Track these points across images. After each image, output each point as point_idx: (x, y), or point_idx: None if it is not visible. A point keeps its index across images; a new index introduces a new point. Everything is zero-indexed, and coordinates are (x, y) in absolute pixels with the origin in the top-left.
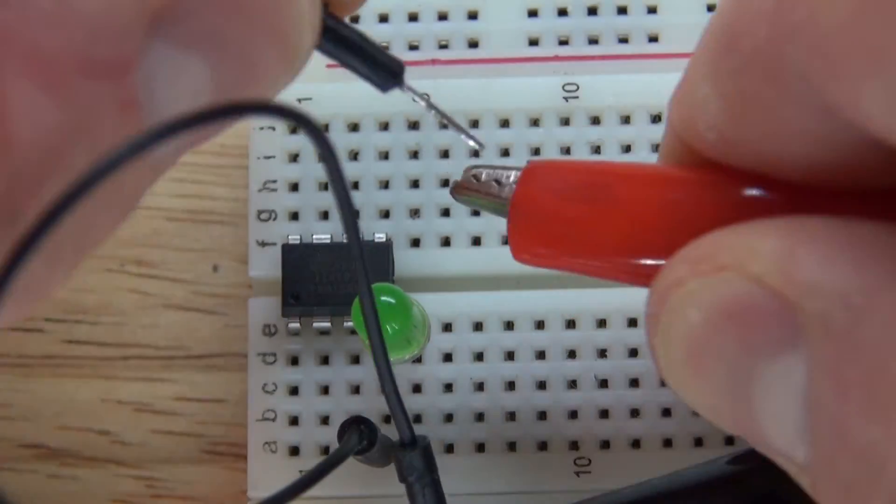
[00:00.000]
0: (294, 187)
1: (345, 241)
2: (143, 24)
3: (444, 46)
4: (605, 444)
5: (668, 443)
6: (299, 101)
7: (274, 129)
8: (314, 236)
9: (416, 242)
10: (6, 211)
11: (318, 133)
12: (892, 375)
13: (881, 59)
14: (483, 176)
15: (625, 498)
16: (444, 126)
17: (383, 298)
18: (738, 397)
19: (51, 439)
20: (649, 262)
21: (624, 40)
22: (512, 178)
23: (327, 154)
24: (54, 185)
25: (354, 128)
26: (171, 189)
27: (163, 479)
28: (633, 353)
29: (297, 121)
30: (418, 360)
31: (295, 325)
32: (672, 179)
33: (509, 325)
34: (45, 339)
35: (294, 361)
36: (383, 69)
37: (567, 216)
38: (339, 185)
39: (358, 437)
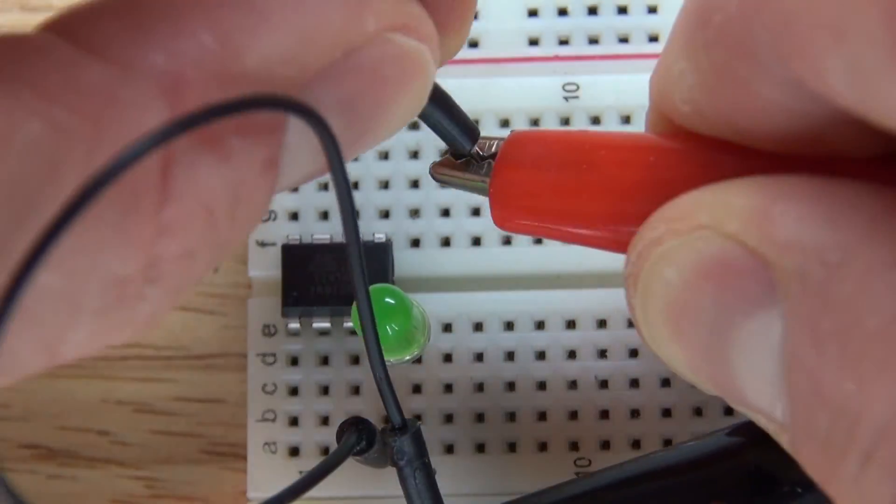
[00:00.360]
0: (294, 187)
1: (344, 241)
2: (298, 87)
3: None
4: (606, 445)
5: (668, 443)
6: None
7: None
8: (314, 236)
9: (415, 243)
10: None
11: (323, 126)
12: (866, 329)
13: (841, 34)
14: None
15: (628, 473)
16: None
17: (384, 300)
18: (715, 356)
19: (50, 440)
20: (630, 228)
21: (624, 40)
22: (494, 149)
23: (330, 147)
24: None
25: None
26: None
27: (162, 480)
28: (634, 353)
29: (304, 114)
30: (418, 360)
31: (294, 325)
32: (651, 146)
33: (509, 326)
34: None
35: (294, 362)
36: (466, 131)
37: (547, 185)
38: (341, 180)
39: (357, 437)
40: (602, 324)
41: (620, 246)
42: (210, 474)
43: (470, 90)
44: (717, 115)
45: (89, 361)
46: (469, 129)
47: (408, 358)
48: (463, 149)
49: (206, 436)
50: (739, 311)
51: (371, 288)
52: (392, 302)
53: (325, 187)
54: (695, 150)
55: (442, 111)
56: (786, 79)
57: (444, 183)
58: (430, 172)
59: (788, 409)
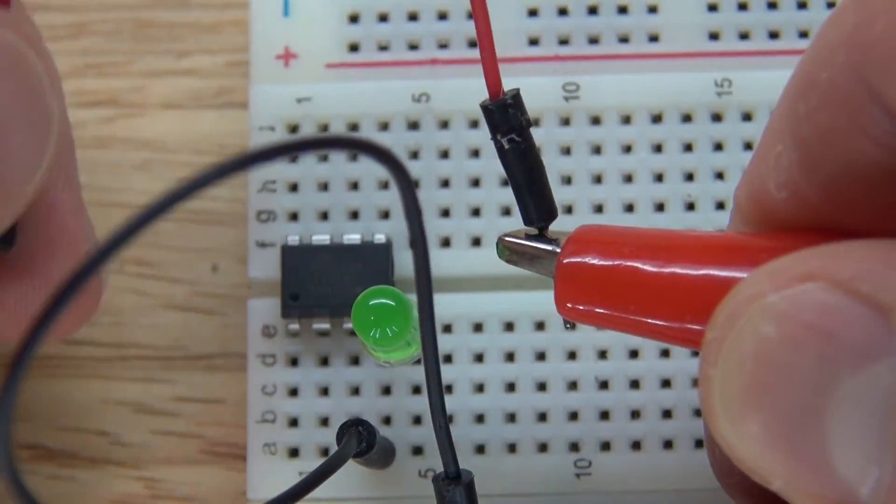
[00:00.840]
0: (293, 188)
1: (344, 242)
2: None
3: (444, 46)
4: (606, 446)
5: (668, 444)
6: (298, 101)
7: (273, 129)
8: (313, 237)
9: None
10: None
11: (398, 166)
12: None
13: None
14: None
15: None
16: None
17: (382, 301)
18: (808, 421)
19: (50, 440)
20: (697, 326)
21: (624, 40)
22: (559, 243)
23: (405, 185)
24: None
25: (354, 128)
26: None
27: (162, 480)
28: (634, 354)
29: (376, 153)
30: (418, 361)
31: (294, 326)
32: (726, 246)
33: (509, 327)
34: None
35: (293, 363)
36: (545, 207)
37: (617, 273)
38: (415, 218)
39: (357, 439)
40: None
41: (689, 341)
42: (210, 475)
43: (470, 90)
44: (816, 189)
45: (89, 361)
46: (549, 207)
47: (408, 360)
48: (536, 221)
49: (205, 436)
50: (847, 366)
51: (370, 289)
52: (392, 303)
53: (324, 188)
54: (777, 249)
55: (532, 177)
56: (891, 132)
57: (508, 252)
58: (497, 242)
59: (887, 478)
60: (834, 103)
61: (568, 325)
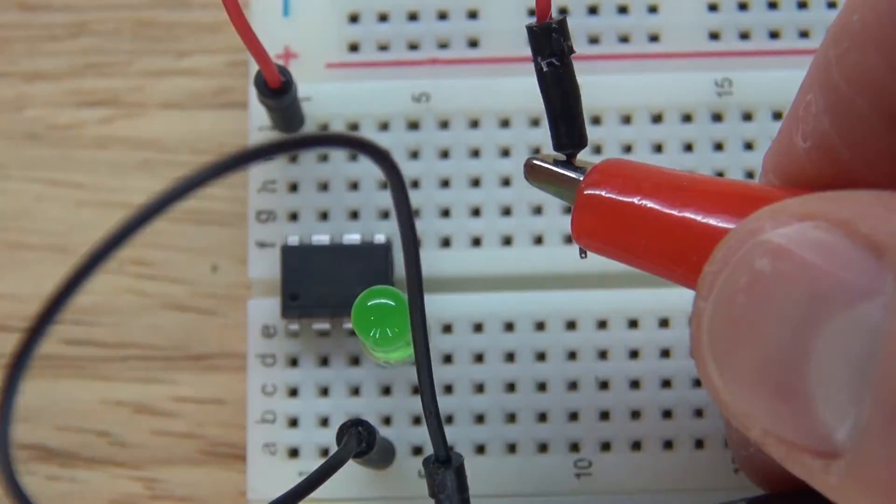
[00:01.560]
0: (293, 188)
1: (344, 242)
2: None
3: (444, 46)
4: (606, 446)
5: (668, 444)
6: (299, 100)
7: (273, 129)
8: (313, 237)
9: None
10: None
11: (388, 161)
12: None
13: None
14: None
15: None
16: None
17: (382, 301)
18: (793, 359)
19: (50, 440)
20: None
21: (624, 40)
22: (584, 172)
23: (395, 181)
24: None
25: (354, 128)
26: None
27: (162, 480)
28: (634, 354)
29: (368, 150)
30: None
31: (294, 326)
32: (743, 195)
33: (509, 327)
34: (44, 339)
35: (293, 363)
36: (575, 134)
37: (624, 222)
38: (405, 216)
39: (357, 439)
40: (602, 325)
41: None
42: (209, 475)
43: (470, 90)
44: (841, 136)
45: (89, 362)
46: (579, 135)
47: (407, 360)
48: (566, 146)
49: (205, 436)
50: (835, 304)
51: (370, 290)
52: (391, 303)
53: (324, 188)
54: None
55: (566, 103)
56: None
57: (535, 173)
58: (525, 164)
59: (862, 420)
60: (864, 43)
61: (582, 255)
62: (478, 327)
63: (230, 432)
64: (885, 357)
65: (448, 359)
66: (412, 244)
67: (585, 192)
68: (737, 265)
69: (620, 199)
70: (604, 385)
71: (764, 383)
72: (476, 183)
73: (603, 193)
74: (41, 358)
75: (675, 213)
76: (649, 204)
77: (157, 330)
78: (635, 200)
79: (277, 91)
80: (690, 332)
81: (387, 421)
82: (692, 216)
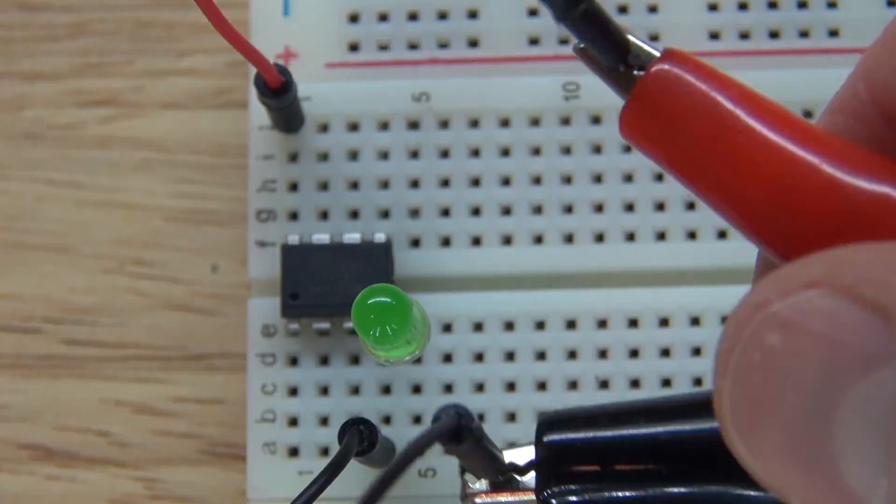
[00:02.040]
0: (293, 188)
1: (345, 240)
2: None
3: (444, 46)
4: None
5: None
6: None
7: (274, 128)
8: (313, 237)
9: (415, 243)
10: None
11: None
12: None
13: None
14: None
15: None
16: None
17: (382, 299)
18: (816, 431)
19: (49, 440)
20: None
21: None
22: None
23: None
24: None
25: (354, 127)
26: (171, 189)
27: (161, 480)
28: (634, 353)
29: None
30: (418, 360)
31: (294, 325)
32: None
33: (509, 326)
34: (44, 339)
35: (293, 362)
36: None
37: (683, 134)
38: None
39: (358, 438)
40: (602, 324)
41: (730, 210)
42: (209, 475)
43: (470, 90)
44: None
45: (89, 362)
46: (620, 45)
47: (408, 358)
48: (609, 62)
49: (205, 436)
50: (852, 373)
51: (370, 288)
52: (391, 301)
53: (324, 187)
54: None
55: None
56: None
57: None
58: (573, 48)
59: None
60: None
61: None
62: (478, 326)
63: (230, 432)
64: None
65: (448, 358)
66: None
67: (655, 70)
68: (748, 342)
69: (702, 87)
70: (604, 384)
71: (792, 457)
72: (476, 182)
73: (682, 76)
74: (41, 358)
75: (763, 133)
76: (734, 109)
77: (157, 330)
78: (720, 97)
79: (277, 91)
80: (714, 405)
81: (387, 420)
82: (780, 143)
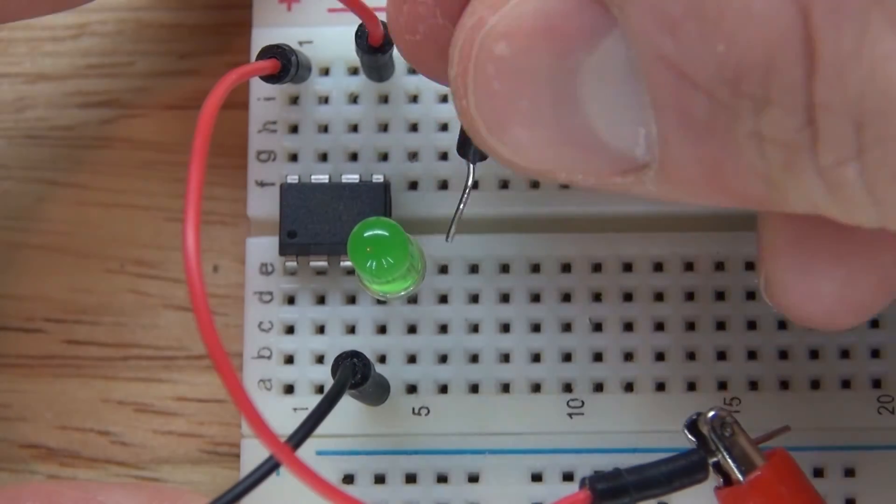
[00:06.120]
0: (293, 129)
1: (343, 180)
2: None
3: None
4: (599, 387)
5: (661, 386)
6: (300, 44)
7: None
8: (312, 177)
9: (413, 185)
10: None
11: None
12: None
13: None
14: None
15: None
16: None
17: (378, 232)
18: (565, 110)
19: (51, 440)
20: None
21: None
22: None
23: None
24: None
25: (354, 71)
26: (171, 189)
27: (163, 480)
28: (628, 297)
29: None
30: (413, 299)
31: (292, 264)
32: None
33: (505, 268)
34: (45, 339)
35: (290, 300)
36: None
37: None
38: None
39: (352, 370)
40: (597, 268)
41: None
42: (211, 474)
43: None
44: None
45: (90, 361)
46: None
47: (403, 293)
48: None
49: (206, 436)
50: (580, 50)
51: (365, 221)
52: (388, 234)
53: (324, 129)
54: None
55: None
56: None
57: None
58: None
59: (654, 125)
60: None
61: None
62: (473, 268)
63: (230, 431)
64: (648, 75)
65: (444, 299)
66: None
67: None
68: (478, 58)
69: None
70: (598, 327)
71: (550, 140)
72: None
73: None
74: (42, 357)
75: None
76: None
77: (159, 330)
78: None
79: (376, 49)
80: (461, 122)
81: (382, 359)
82: None
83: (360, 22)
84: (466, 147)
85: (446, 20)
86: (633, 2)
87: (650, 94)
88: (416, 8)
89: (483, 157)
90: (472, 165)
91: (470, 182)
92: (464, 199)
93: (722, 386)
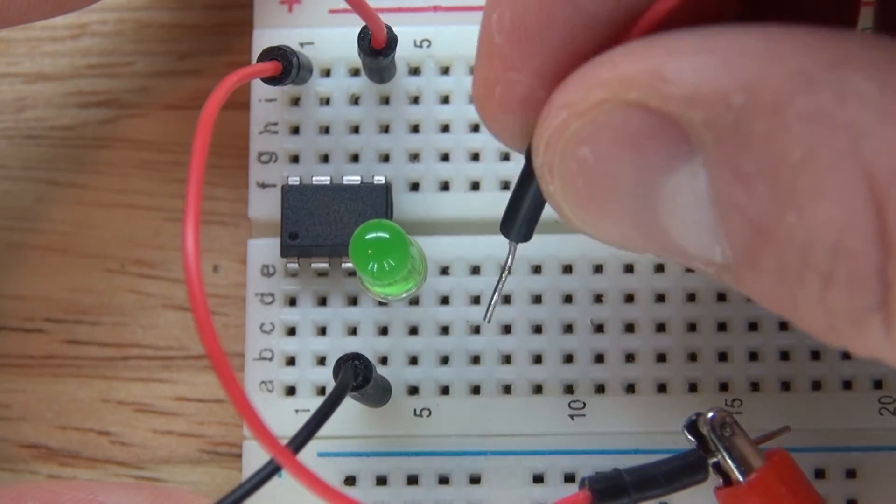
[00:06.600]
0: (295, 131)
1: (344, 182)
2: None
3: None
4: (600, 389)
5: (662, 388)
6: (302, 45)
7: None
8: (314, 178)
9: (415, 186)
10: None
11: None
12: (791, 163)
13: None
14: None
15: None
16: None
17: (379, 234)
18: (646, 219)
19: (51, 439)
20: None
21: None
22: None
23: None
24: None
25: (356, 72)
26: (171, 189)
27: (163, 480)
28: (630, 298)
29: None
30: (415, 301)
31: (293, 265)
32: None
33: (508, 268)
34: (45, 339)
35: (292, 302)
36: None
37: None
38: None
39: (353, 372)
40: (599, 269)
41: None
42: (210, 474)
43: (470, 37)
44: None
45: (90, 361)
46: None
47: (404, 295)
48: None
49: (205, 436)
50: (660, 169)
51: (367, 224)
52: (389, 237)
53: (326, 131)
54: None
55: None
56: None
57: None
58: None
59: (729, 251)
60: None
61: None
62: (475, 269)
63: (230, 432)
64: (723, 215)
65: (445, 300)
66: None
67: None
68: (563, 158)
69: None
70: (599, 328)
71: (632, 237)
72: (476, 128)
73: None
74: (42, 357)
75: None
76: None
77: (158, 330)
78: None
79: (379, 51)
80: (548, 201)
81: (384, 361)
82: None
83: (362, 24)
84: (510, 226)
85: (546, 92)
86: (712, 144)
87: (724, 229)
88: (512, 89)
89: (526, 238)
90: (514, 245)
91: (510, 262)
92: (503, 279)
93: (723, 387)
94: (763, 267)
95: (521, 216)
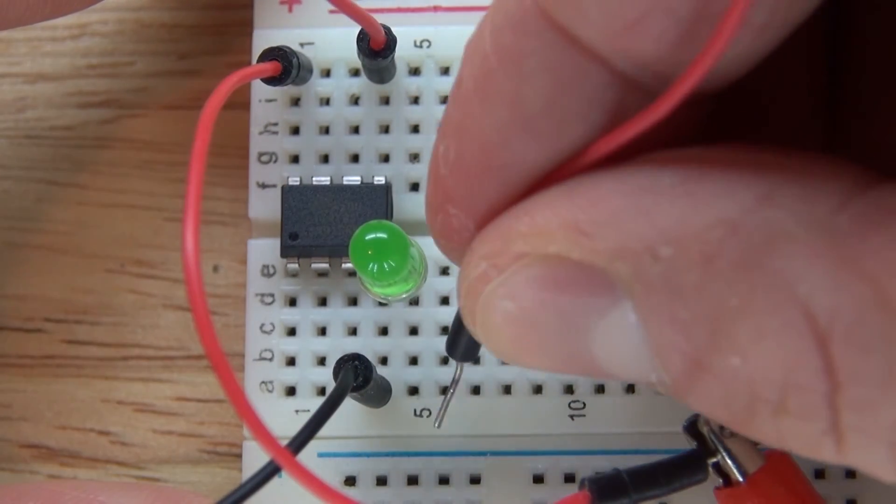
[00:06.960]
0: (295, 131)
1: (344, 182)
2: None
3: None
4: (600, 389)
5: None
6: (302, 45)
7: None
8: (314, 178)
9: (415, 186)
10: None
11: None
12: (727, 308)
13: None
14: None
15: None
16: None
17: (379, 235)
18: (575, 356)
19: (51, 439)
20: None
21: None
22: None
23: None
24: None
25: (356, 73)
26: (171, 189)
27: (163, 480)
28: None
29: None
30: (415, 301)
31: (293, 265)
32: None
33: None
34: (45, 339)
35: (292, 302)
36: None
37: None
38: None
39: (353, 373)
40: None
41: None
42: (211, 474)
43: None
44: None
45: (90, 361)
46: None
47: (404, 296)
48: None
49: (205, 436)
50: (588, 315)
51: (367, 224)
52: (388, 237)
53: (326, 131)
54: None
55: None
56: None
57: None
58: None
59: (669, 380)
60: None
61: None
62: None
63: (230, 432)
64: (661, 356)
65: (445, 301)
66: None
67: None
68: (486, 308)
69: None
70: None
71: (562, 367)
72: None
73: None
74: (42, 357)
75: None
76: None
77: (159, 330)
78: None
79: (377, 53)
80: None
81: (384, 361)
82: None
83: (354, 25)
84: (454, 348)
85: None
86: (642, 294)
87: (661, 365)
88: (448, 220)
89: (470, 358)
90: (460, 364)
91: (458, 378)
92: (451, 393)
93: None
94: (706, 394)
95: (463, 342)
